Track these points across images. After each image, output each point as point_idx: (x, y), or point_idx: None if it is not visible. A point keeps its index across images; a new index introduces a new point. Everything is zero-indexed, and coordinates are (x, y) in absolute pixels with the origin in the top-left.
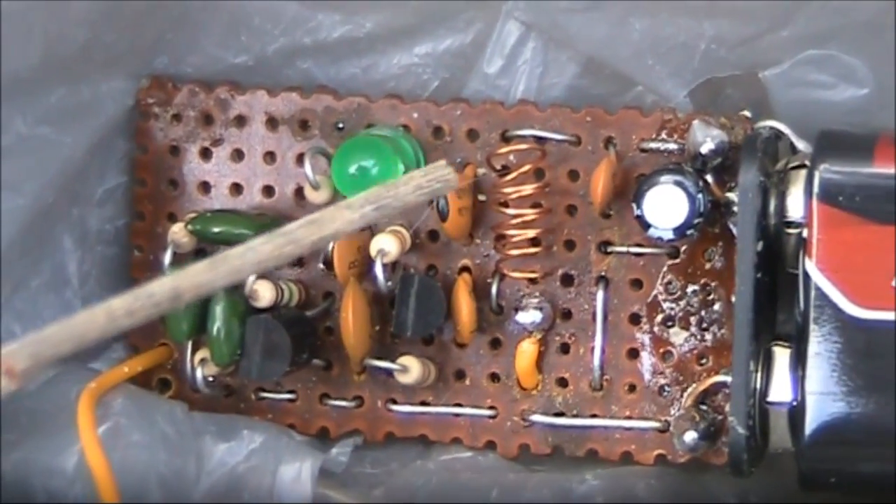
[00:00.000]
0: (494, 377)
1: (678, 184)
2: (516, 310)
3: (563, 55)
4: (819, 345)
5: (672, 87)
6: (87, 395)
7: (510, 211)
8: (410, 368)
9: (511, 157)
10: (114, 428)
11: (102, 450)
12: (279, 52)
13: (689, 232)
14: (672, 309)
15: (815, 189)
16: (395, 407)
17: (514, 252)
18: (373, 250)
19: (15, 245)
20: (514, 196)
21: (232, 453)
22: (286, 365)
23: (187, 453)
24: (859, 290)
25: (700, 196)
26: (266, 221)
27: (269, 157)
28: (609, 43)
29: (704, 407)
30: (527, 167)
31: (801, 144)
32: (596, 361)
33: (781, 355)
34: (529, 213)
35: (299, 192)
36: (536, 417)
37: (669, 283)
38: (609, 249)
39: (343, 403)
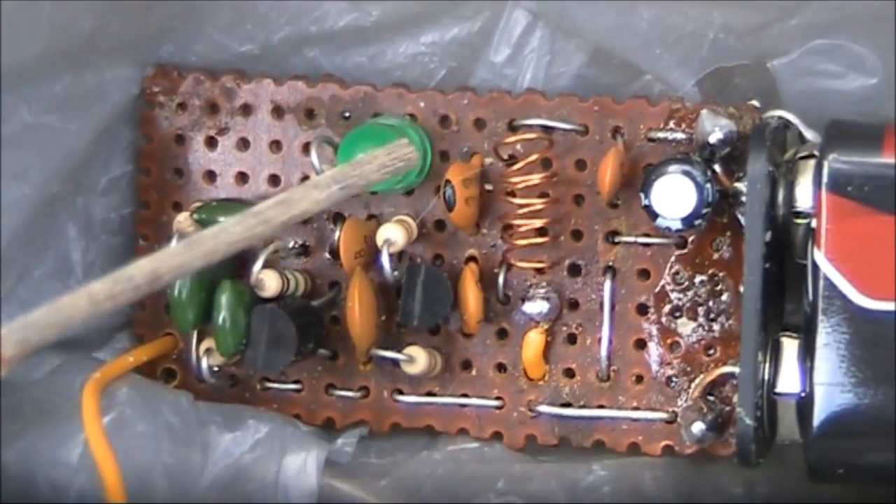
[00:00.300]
0: (501, 367)
1: (686, 174)
2: (523, 300)
3: (570, 44)
4: (828, 335)
5: (680, 77)
6: (92, 385)
7: (517, 200)
8: (416, 359)
9: (518, 147)
10: (118, 418)
11: (107, 440)
12: (285, 41)
13: (696, 222)
14: (680, 299)
15: (824, 179)
16: (401, 397)
17: (521, 242)
18: (379, 240)
19: (19, 234)
20: (521, 186)
21: (237, 443)
22: (292, 355)
23: (192, 443)
24: (868, 281)
25: (708, 186)
26: None
27: (275, 146)
28: (617, 32)
29: (712, 398)
30: (534, 157)
31: (809, 134)
32: (603, 352)
33: (790, 346)
34: (536, 203)
35: (305, 181)
36: (543, 408)
37: (677, 273)
38: (616, 239)
39: (349, 394)
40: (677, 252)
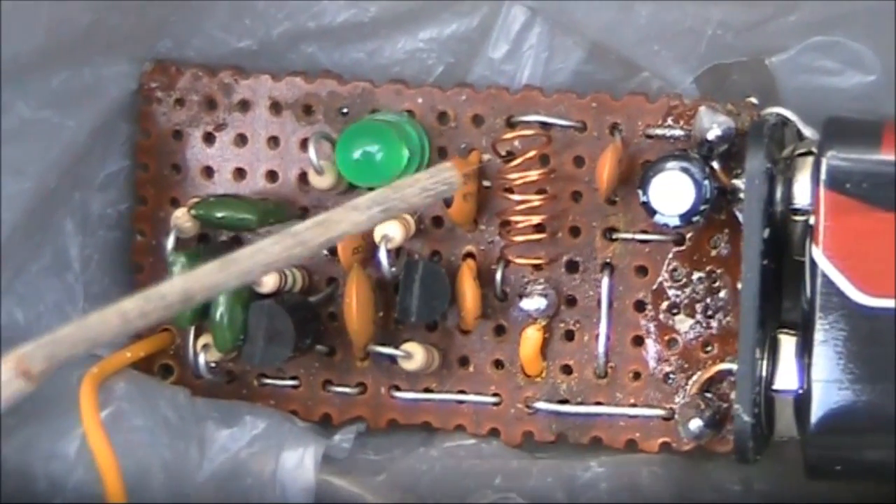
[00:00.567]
0: (498, 364)
1: (684, 170)
2: (521, 296)
3: (568, 40)
4: (825, 332)
5: (678, 73)
6: (90, 380)
7: (515, 197)
8: (414, 355)
9: (516, 143)
10: (116, 413)
11: (105, 434)
12: (283, 37)
13: (694, 219)
14: (677, 296)
15: (822, 176)
16: (398, 393)
17: (519, 238)
18: (377, 236)
19: (17, 229)
20: (518, 182)
21: (234, 439)
22: (289, 351)
23: (189, 439)
24: (866, 278)
25: (706, 182)
26: (269, 207)
27: (273, 141)
28: (615, 28)
29: (709, 394)
30: (532, 153)
31: (807, 131)
32: (600, 348)
33: (787, 343)
34: (534, 200)
35: (303, 177)
36: (540, 405)
37: (675, 270)
38: (614, 236)
39: (346, 390)
40: (675, 249)
